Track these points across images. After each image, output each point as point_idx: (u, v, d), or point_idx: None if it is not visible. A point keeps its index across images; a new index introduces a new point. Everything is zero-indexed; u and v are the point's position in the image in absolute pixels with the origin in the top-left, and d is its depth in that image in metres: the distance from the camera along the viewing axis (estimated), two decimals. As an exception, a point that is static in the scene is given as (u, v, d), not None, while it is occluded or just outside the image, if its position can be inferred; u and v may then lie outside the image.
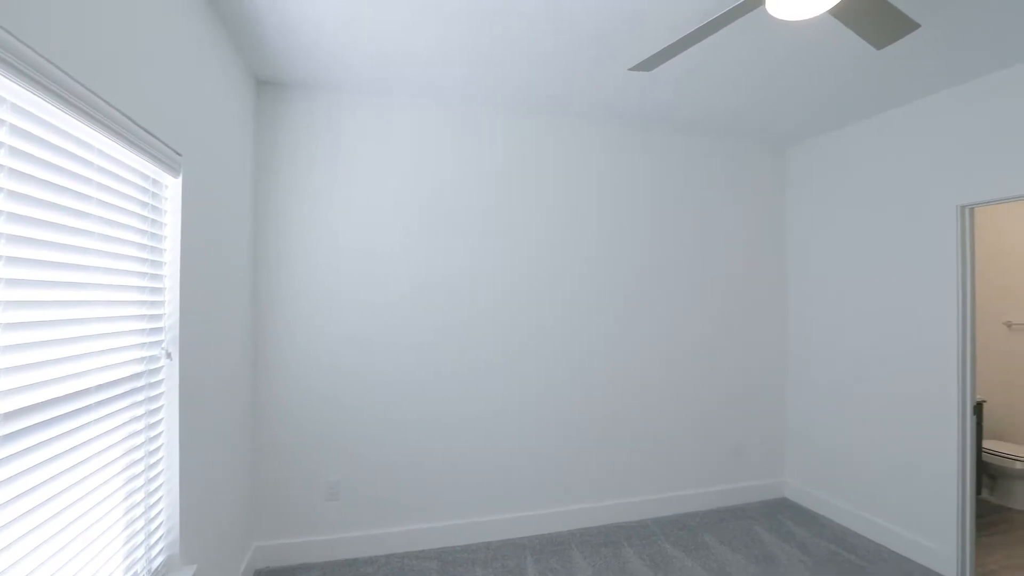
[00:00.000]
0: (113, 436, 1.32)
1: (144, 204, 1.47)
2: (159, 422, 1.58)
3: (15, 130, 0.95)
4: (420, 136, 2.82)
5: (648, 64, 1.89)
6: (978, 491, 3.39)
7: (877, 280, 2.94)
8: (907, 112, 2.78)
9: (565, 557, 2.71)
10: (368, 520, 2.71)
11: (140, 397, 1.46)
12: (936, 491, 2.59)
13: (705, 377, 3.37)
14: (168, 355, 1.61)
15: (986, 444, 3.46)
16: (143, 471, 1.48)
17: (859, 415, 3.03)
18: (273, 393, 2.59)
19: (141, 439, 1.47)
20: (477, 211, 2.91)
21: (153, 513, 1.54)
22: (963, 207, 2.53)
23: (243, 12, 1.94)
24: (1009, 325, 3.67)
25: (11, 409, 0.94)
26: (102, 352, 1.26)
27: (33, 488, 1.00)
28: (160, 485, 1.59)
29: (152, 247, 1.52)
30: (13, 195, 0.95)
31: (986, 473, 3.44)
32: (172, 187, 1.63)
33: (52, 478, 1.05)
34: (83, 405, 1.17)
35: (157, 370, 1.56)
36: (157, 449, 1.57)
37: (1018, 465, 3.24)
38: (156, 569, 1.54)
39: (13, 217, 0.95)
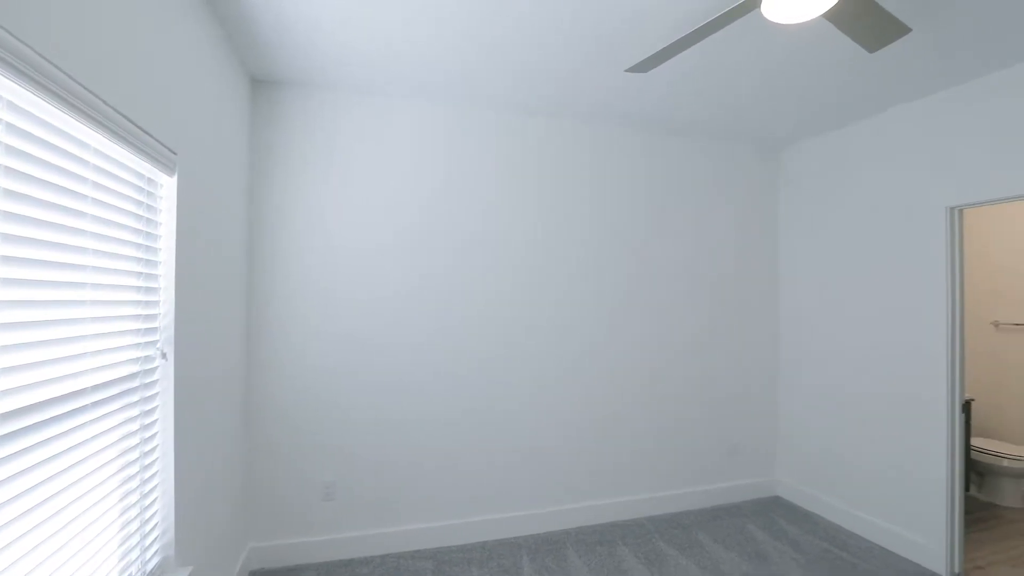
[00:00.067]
0: (108, 437, 1.31)
1: (139, 203, 1.46)
2: (154, 422, 1.57)
3: (10, 128, 0.94)
4: (415, 136, 2.82)
5: (644, 66, 1.90)
6: (967, 488, 3.44)
7: (868, 281, 2.98)
8: (899, 114, 2.81)
9: (561, 556, 2.72)
10: (363, 520, 2.71)
11: (135, 397, 1.45)
12: (926, 489, 2.63)
13: (698, 377, 3.40)
14: (163, 355, 1.60)
15: (974, 442, 3.52)
16: (138, 472, 1.47)
17: (850, 414, 3.06)
18: (268, 393, 2.58)
19: (136, 439, 1.46)
20: (473, 211, 2.91)
21: (148, 514, 1.53)
22: (952, 208, 2.57)
23: (239, 10, 1.93)
24: (996, 325, 3.73)
25: (5, 410, 0.93)
26: (97, 352, 1.25)
27: (27, 489, 0.99)
28: (155, 486, 1.58)
29: (147, 246, 1.51)
30: (6, 193, 0.94)
31: (974, 470, 3.49)
32: (167, 186, 1.62)
33: (47, 479, 1.04)
34: (78, 406, 1.16)
35: (152, 370, 1.55)
36: (152, 450, 1.56)
37: (1005, 462, 3.30)
38: (151, 570, 1.53)
39: (6, 215, 0.94)
